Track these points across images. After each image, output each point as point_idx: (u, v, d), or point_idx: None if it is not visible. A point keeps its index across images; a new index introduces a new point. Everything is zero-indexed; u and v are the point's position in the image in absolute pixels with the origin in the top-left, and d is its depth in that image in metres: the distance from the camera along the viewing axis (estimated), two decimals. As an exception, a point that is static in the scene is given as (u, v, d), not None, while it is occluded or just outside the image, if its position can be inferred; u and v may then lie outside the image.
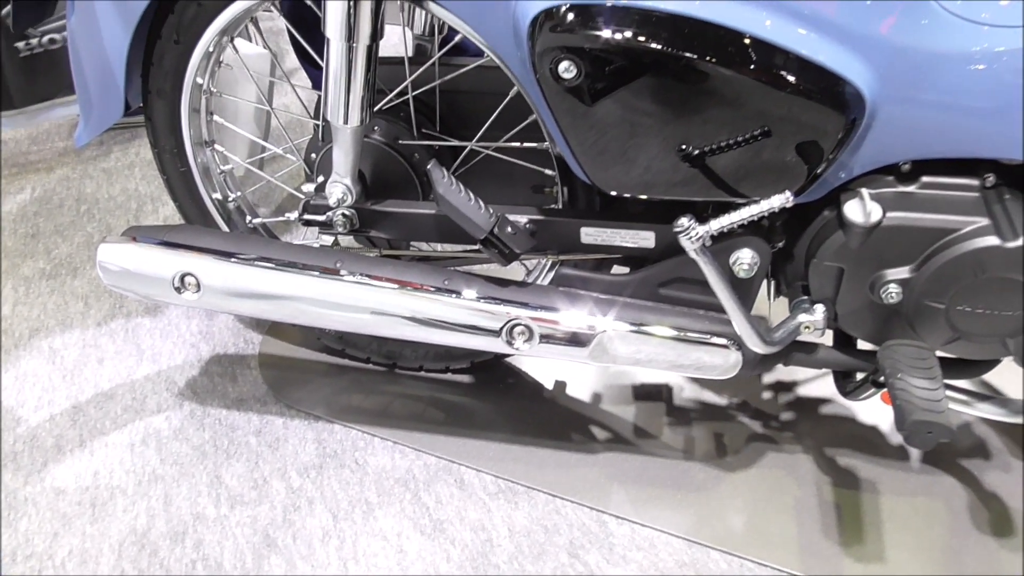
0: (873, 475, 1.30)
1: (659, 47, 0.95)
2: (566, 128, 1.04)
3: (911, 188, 1.04)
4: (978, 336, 1.08)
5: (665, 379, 1.47)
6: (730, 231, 1.07)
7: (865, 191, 1.03)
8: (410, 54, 1.37)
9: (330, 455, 1.35)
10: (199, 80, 1.28)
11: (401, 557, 1.20)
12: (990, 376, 1.26)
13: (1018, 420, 1.16)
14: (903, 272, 1.06)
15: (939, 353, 1.11)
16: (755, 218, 1.04)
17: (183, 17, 1.22)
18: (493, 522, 1.25)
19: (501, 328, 1.17)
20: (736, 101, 0.97)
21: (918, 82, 0.96)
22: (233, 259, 1.21)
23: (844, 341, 1.21)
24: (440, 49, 1.25)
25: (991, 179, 1.02)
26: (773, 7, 0.95)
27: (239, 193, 1.44)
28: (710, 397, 1.43)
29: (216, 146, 1.38)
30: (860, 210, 1.03)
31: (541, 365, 1.50)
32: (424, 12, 1.39)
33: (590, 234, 1.18)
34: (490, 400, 1.43)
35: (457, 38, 1.18)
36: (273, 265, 1.20)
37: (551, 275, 1.28)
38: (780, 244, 1.14)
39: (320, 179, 1.30)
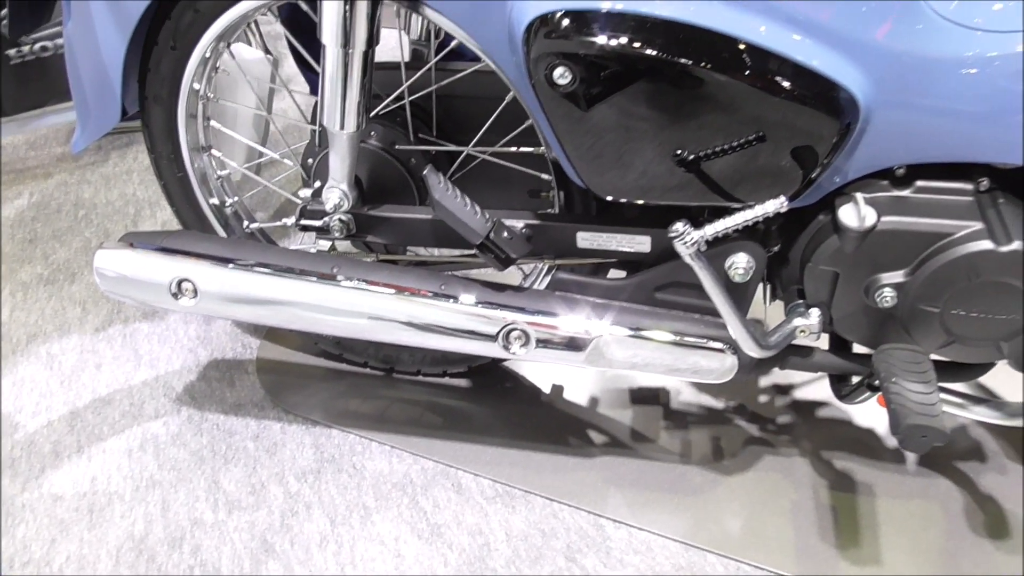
0: (869, 478, 1.30)
1: (654, 53, 0.96)
2: (561, 133, 1.04)
3: (905, 192, 1.04)
4: (972, 340, 1.08)
5: (662, 383, 1.47)
6: (725, 235, 1.07)
7: (860, 195, 1.04)
8: (407, 59, 1.37)
9: (328, 460, 1.35)
10: (196, 86, 1.29)
11: (399, 562, 1.20)
12: (986, 379, 1.26)
13: (1013, 423, 1.17)
14: (898, 276, 1.06)
15: (934, 356, 1.11)
16: (750, 223, 1.04)
17: (180, 23, 1.22)
18: (490, 526, 1.25)
19: (498, 333, 1.17)
20: (731, 107, 0.97)
21: (912, 87, 0.97)
22: (230, 265, 1.21)
23: (840, 345, 1.22)
24: (437, 54, 1.25)
25: (985, 183, 1.03)
26: (767, 13, 0.96)
27: (236, 198, 1.44)
28: (707, 401, 1.44)
29: (213, 151, 1.39)
30: (855, 214, 1.03)
31: (538, 369, 1.50)
32: (421, 17, 1.39)
33: (586, 238, 1.18)
34: (487, 404, 1.44)
35: (454, 43, 1.18)
36: (270, 271, 1.20)
37: (547, 279, 1.28)
38: (775, 248, 1.14)
39: (317, 184, 1.30)
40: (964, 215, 1.02)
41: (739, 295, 1.14)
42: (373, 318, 1.19)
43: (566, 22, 0.97)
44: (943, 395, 1.17)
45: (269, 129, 1.81)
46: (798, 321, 1.13)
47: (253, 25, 1.53)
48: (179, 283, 1.22)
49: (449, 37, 1.16)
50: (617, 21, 0.96)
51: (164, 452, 1.36)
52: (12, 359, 1.54)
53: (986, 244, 1.01)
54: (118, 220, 1.92)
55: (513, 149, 1.24)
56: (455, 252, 1.31)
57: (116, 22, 1.22)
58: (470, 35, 1.10)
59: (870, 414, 1.40)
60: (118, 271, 1.23)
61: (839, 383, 1.23)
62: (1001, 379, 1.40)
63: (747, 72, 0.96)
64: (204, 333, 1.59)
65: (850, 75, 0.97)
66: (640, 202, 1.08)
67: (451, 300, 1.17)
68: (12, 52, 1.91)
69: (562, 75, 0.99)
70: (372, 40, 1.10)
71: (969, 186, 1.03)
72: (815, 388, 1.45)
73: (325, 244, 1.31)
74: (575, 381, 1.47)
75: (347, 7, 1.07)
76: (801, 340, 1.14)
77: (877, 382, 1.09)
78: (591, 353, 1.16)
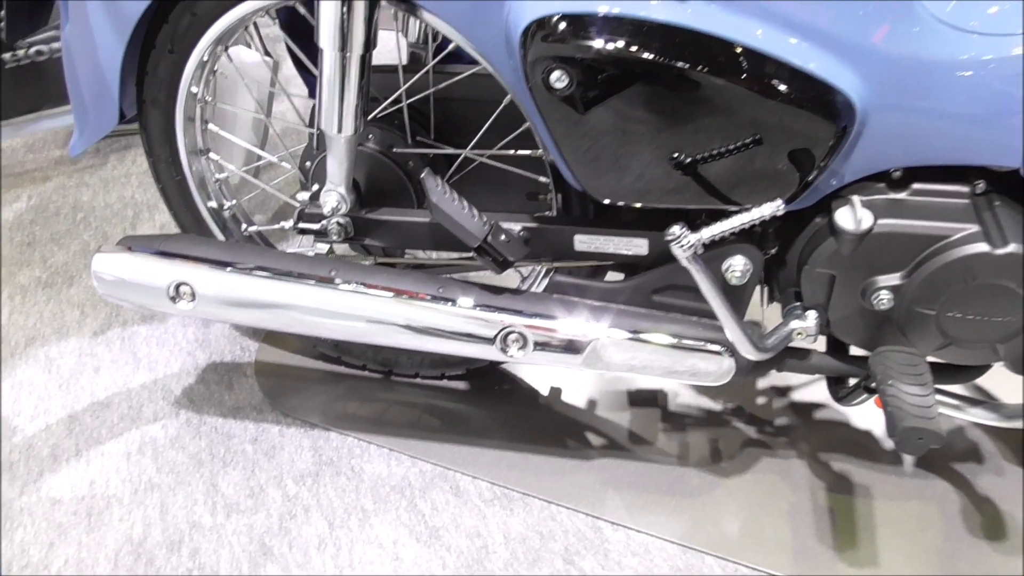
0: (867, 479, 1.30)
1: (651, 57, 0.96)
2: (558, 137, 1.05)
3: (902, 195, 1.04)
4: (969, 342, 1.09)
5: (659, 385, 1.47)
6: (722, 238, 1.07)
7: (856, 198, 1.04)
8: (404, 62, 1.37)
9: (326, 463, 1.35)
10: (194, 89, 1.29)
11: (397, 564, 1.20)
12: (982, 380, 1.26)
13: (1010, 425, 1.17)
14: (894, 278, 1.07)
15: (931, 359, 1.12)
16: (747, 225, 1.04)
17: (177, 26, 1.22)
18: (489, 529, 1.25)
19: (495, 336, 1.17)
20: (727, 110, 0.98)
21: (908, 90, 0.97)
22: (228, 268, 1.21)
23: (837, 347, 1.22)
24: (435, 57, 1.25)
25: (981, 186, 1.03)
26: (763, 16, 0.96)
27: (234, 201, 1.44)
28: (704, 403, 1.44)
29: (211, 154, 1.39)
30: (851, 217, 1.03)
31: (536, 372, 1.50)
32: (418, 20, 1.39)
33: (584, 241, 1.18)
34: (485, 407, 1.44)
35: (451, 46, 1.18)
36: (268, 274, 1.21)
37: (545, 282, 1.29)
38: (772, 251, 1.14)
39: (315, 187, 1.30)
40: (960, 218, 1.03)
41: (736, 298, 1.15)
42: (371, 321, 1.19)
43: (563, 26, 0.98)
44: (940, 397, 1.17)
45: (268, 132, 1.81)
46: (795, 323, 1.13)
47: (253, 27, 1.53)
48: (177, 286, 1.22)
49: (447, 40, 1.16)
50: (614, 25, 0.97)
51: (162, 455, 1.36)
52: (10, 362, 1.54)
53: (982, 247, 1.01)
54: (116, 223, 1.92)
55: (511, 152, 1.24)
56: (453, 255, 1.31)
57: (114, 25, 1.23)
58: (467, 38, 1.10)
59: (867, 416, 1.40)
60: (116, 274, 1.24)
61: (836, 385, 1.23)
62: (998, 381, 1.40)
63: (743, 75, 0.96)
64: (202, 336, 1.59)
65: (846, 78, 0.97)
66: (637, 205, 1.09)
67: (449, 303, 1.17)
68: (7, 56, 1.91)
69: (559, 79, 0.99)
70: (369, 43, 1.11)
71: (965, 189, 1.03)
72: (812, 390, 1.46)
73: (323, 247, 1.31)
74: (573, 383, 1.47)
75: (344, 10, 1.07)
76: (798, 342, 1.15)
77: (874, 384, 1.09)
78: (589, 356, 1.16)
